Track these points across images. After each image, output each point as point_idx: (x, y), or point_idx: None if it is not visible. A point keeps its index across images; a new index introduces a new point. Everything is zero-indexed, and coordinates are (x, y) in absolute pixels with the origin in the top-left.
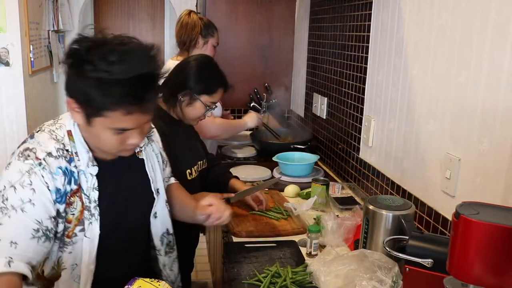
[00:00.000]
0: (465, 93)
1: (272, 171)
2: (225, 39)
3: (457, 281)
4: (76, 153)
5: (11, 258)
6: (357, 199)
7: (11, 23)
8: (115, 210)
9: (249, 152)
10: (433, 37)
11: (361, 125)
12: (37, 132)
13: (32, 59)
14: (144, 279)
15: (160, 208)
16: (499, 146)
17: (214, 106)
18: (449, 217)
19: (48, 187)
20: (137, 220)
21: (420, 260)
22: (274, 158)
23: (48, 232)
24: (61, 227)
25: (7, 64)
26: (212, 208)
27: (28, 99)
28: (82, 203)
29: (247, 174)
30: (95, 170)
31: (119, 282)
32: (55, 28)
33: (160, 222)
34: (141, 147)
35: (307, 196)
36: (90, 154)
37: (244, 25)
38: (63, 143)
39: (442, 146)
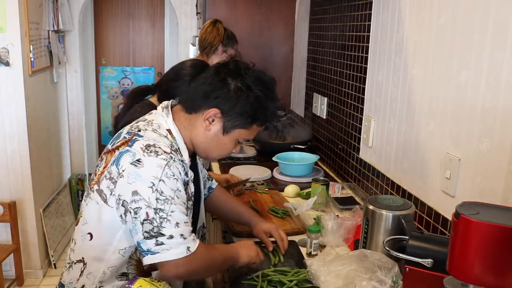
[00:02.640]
0: (465, 93)
1: (272, 171)
2: None
3: (457, 281)
4: (179, 149)
5: (191, 234)
6: (357, 199)
7: (11, 23)
8: (194, 201)
9: (249, 152)
10: (433, 37)
11: (361, 125)
12: (139, 131)
13: (32, 59)
14: (145, 278)
15: (202, 204)
16: (499, 146)
17: None
18: (449, 217)
19: (180, 175)
20: (196, 212)
21: (420, 260)
22: (274, 158)
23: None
24: None
25: (7, 64)
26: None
27: (28, 99)
28: (188, 194)
29: (247, 174)
30: (189, 164)
31: None
32: (55, 28)
33: (201, 217)
34: None
35: (307, 196)
36: (187, 150)
37: (244, 25)
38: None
39: (442, 146)
